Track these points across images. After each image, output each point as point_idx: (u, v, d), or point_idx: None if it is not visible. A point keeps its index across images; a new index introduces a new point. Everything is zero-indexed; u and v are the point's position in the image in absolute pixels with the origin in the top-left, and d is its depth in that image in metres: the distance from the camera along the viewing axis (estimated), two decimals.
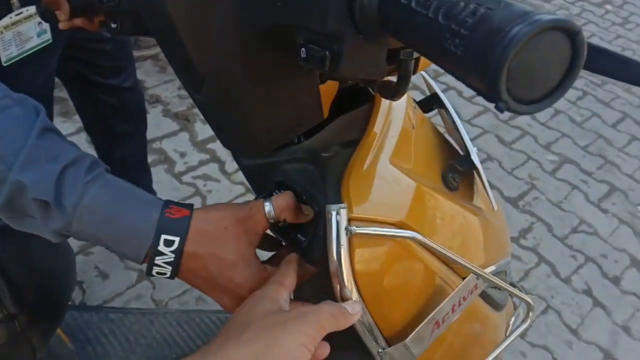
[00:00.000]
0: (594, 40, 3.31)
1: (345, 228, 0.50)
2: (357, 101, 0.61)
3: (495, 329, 0.78)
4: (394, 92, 0.46)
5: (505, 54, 0.25)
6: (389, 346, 0.58)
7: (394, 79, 0.46)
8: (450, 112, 0.74)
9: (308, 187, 0.57)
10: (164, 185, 1.91)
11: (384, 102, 0.61)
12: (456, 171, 0.68)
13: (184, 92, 2.34)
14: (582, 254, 2.00)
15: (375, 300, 0.55)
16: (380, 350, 0.58)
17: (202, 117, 2.15)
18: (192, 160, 2.05)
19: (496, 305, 0.76)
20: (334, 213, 0.50)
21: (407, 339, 0.57)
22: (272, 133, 0.54)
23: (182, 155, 2.06)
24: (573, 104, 2.75)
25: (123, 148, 1.53)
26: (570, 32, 0.27)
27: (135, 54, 2.40)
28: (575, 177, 2.32)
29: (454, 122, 0.74)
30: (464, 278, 0.64)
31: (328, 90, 0.55)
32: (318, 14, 0.36)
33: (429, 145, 0.69)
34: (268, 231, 0.58)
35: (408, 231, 0.54)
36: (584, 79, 2.94)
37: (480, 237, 0.70)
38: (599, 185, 2.30)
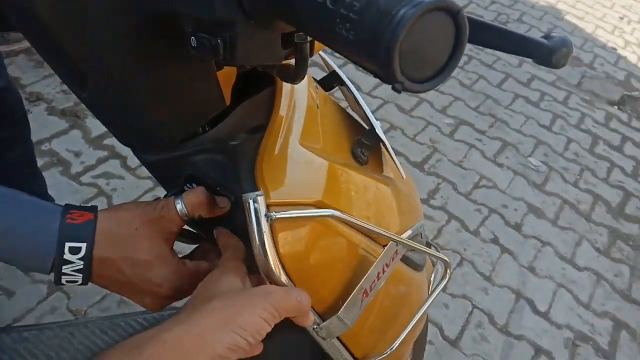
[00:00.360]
0: (472, 7, 3.53)
1: (265, 215, 0.50)
2: (259, 85, 0.60)
3: (418, 288, 0.83)
4: (293, 76, 0.46)
5: (395, 36, 0.26)
6: (323, 321, 0.60)
7: (292, 62, 0.45)
8: (350, 88, 0.76)
9: (220, 177, 0.56)
10: (61, 189, 1.75)
11: (286, 85, 0.61)
12: (364, 145, 0.70)
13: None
14: (485, 207, 2.13)
15: (304, 280, 0.56)
16: (315, 326, 0.60)
17: None
18: (88, 159, 1.90)
19: (417, 267, 0.81)
20: (251, 201, 0.49)
21: (340, 311, 0.59)
22: (172, 125, 0.52)
23: (77, 154, 1.90)
24: (461, 69, 2.91)
25: (6, 155, 1.37)
26: (452, 12, 0.28)
27: (4, 49, 2.17)
28: (471, 136, 2.47)
29: (355, 97, 0.75)
30: (384, 246, 0.67)
31: (227, 76, 0.53)
32: (204, 2, 0.35)
33: (335, 123, 0.70)
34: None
35: (326, 210, 0.55)
36: (468, 44, 3.11)
37: (394, 206, 0.73)
38: (492, 142, 2.46)
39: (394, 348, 0.72)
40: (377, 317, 0.71)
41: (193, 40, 0.38)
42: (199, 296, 0.46)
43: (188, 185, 0.57)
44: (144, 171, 1.89)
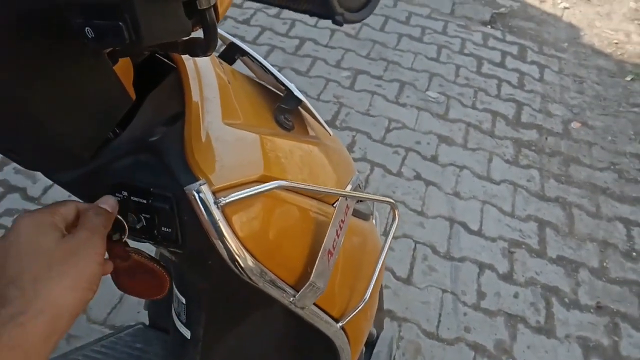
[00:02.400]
0: None
1: (214, 202, 0.49)
2: (159, 73, 0.56)
3: (372, 236, 0.87)
4: (205, 47, 0.43)
5: None
6: (297, 292, 0.60)
7: (197, 35, 0.43)
8: (255, 56, 0.74)
9: (151, 178, 0.52)
10: None
11: (190, 67, 0.57)
12: (285, 111, 0.69)
13: None
14: (401, 147, 2.21)
15: (268, 256, 0.56)
16: (291, 299, 0.61)
17: None
18: None
19: (365, 217, 0.84)
20: (195, 193, 0.48)
21: (311, 277, 0.60)
22: (80, 135, 0.47)
23: None
24: None
25: None
26: None
27: None
28: (370, 84, 2.53)
29: (261, 65, 0.73)
30: (333, 204, 0.68)
31: (124, 70, 0.49)
32: None
33: (250, 95, 0.69)
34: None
35: (273, 182, 0.55)
36: None
37: (329, 164, 0.75)
38: (390, 85, 2.54)
39: (366, 298, 0.75)
40: (343, 274, 0.72)
41: (89, 31, 0.35)
42: (21, 255, 0.42)
43: (117, 194, 0.53)
44: (50, 197, 1.75)
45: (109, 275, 0.53)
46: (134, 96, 0.49)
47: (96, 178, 0.52)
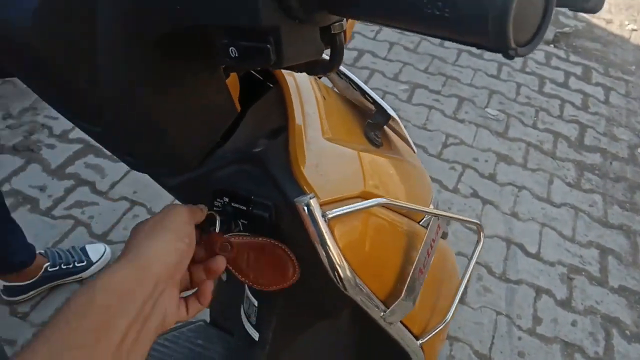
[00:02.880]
0: None
1: (322, 216, 0.51)
2: (260, 87, 0.59)
3: (451, 256, 0.87)
4: (328, 67, 0.45)
5: (506, 8, 0.27)
6: (387, 307, 0.62)
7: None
8: (346, 72, 0.75)
9: (253, 186, 0.55)
10: (35, 227, 1.65)
11: (290, 81, 0.60)
12: (376, 127, 0.71)
13: (13, 121, 2.02)
14: (458, 164, 2.19)
15: (364, 269, 0.57)
16: (382, 314, 0.62)
17: (47, 142, 1.91)
18: (55, 191, 1.80)
19: (444, 235, 0.83)
20: (305, 206, 0.50)
21: (403, 293, 0.62)
22: (195, 142, 0.51)
23: (42, 189, 1.80)
24: (402, 34, 2.93)
25: None
26: None
27: None
28: (428, 98, 2.51)
29: (351, 81, 0.75)
30: (419, 222, 0.68)
31: (232, 84, 0.52)
32: (249, 12, 0.34)
33: (342, 111, 0.71)
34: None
35: (374, 200, 0.57)
36: None
37: (416, 181, 0.75)
38: (449, 100, 2.51)
39: (448, 319, 0.74)
40: (425, 292, 0.73)
41: (232, 51, 0.37)
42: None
43: (219, 200, 0.56)
44: (117, 193, 1.81)
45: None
46: (239, 108, 0.52)
47: (200, 184, 0.55)
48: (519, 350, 1.60)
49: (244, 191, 0.55)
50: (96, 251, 1.58)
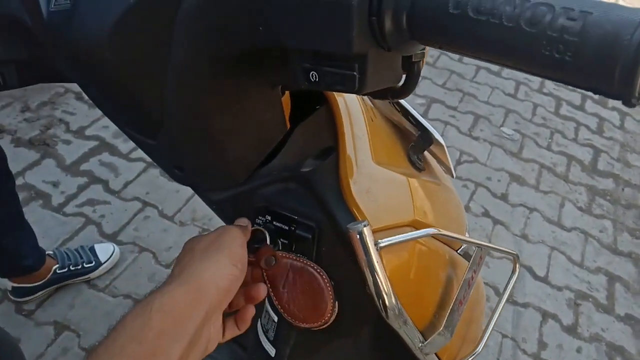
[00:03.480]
0: None
1: (375, 244, 0.50)
2: (309, 104, 0.58)
3: (481, 284, 0.85)
4: (402, 93, 0.45)
5: (638, 59, 0.26)
6: (425, 337, 0.60)
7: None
8: None
9: (299, 206, 0.54)
10: (46, 224, 1.66)
11: (340, 101, 0.59)
12: (419, 151, 0.70)
13: (30, 114, 2.04)
14: (471, 182, 2.18)
15: (406, 298, 0.57)
16: (420, 345, 0.60)
17: (63, 137, 1.92)
18: (68, 187, 1.81)
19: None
20: (358, 234, 0.49)
21: (443, 325, 0.60)
22: (245, 158, 0.51)
23: (55, 185, 1.81)
24: None
25: None
26: None
27: None
28: (444, 114, 2.51)
29: (394, 103, 0.74)
30: (457, 250, 0.67)
31: (285, 101, 0.52)
32: (338, 37, 0.34)
33: (387, 133, 0.70)
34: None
35: (426, 230, 0.56)
36: None
37: (456, 208, 0.74)
38: (465, 117, 2.51)
39: (479, 351, 0.73)
40: (460, 321, 0.72)
41: (313, 75, 0.37)
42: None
43: (260, 217, 0.56)
44: (129, 193, 1.82)
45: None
46: (289, 125, 0.52)
47: (243, 200, 0.55)
48: None
49: (287, 210, 0.54)
50: (105, 251, 1.59)
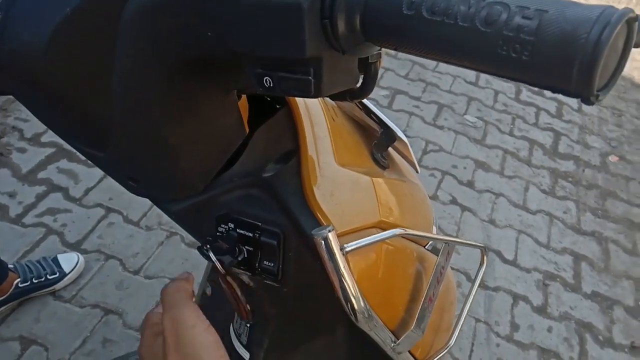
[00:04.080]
0: None
1: (341, 249, 0.49)
2: (268, 106, 0.56)
3: (452, 276, 0.86)
4: (359, 94, 0.44)
5: (595, 59, 0.26)
6: (397, 337, 0.60)
7: None
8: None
9: (261, 213, 0.53)
10: (4, 236, 1.60)
11: (300, 102, 0.57)
12: (382, 148, 0.69)
13: None
14: (437, 170, 2.20)
15: (375, 298, 0.56)
16: (392, 345, 0.60)
17: (17, 145, 1.85)
18: (26, 197, 1.74)
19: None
20: (323, 239, 0.48)
21: (414, 324, 0.60)
22: (203, 166, 0.49)
23: (12, 195, 1.74)
24: None
25: None
26: (629, 20, 0.28)
27: None
28: (408, 104, 2.52)
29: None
30: (425, 246, 0.67)
31: (242, 105, 0.50)
32: (291, 42, 0.32)
33: (349, 132, 0.69)
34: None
35: (392, 230, 0.55)
36: None
37: (422, 203, 0.74)
38: (428, 107, 2.53)
39: (451, 344, 0.73)
40: (434, 317, 0.72)
41: (267, 81, 0.35)
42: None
43: (223, 225, 0.54)
44: (91, 199, 1.77)
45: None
46: (247, 130, 0.50)
47: (204, 209, 0.53)
48: (498, 357, 1.61)
49: (251, 217, 0.52)
50: (69, 261, 1.53)
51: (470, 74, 2.79)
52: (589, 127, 2.61)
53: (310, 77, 0.34)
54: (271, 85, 0.35)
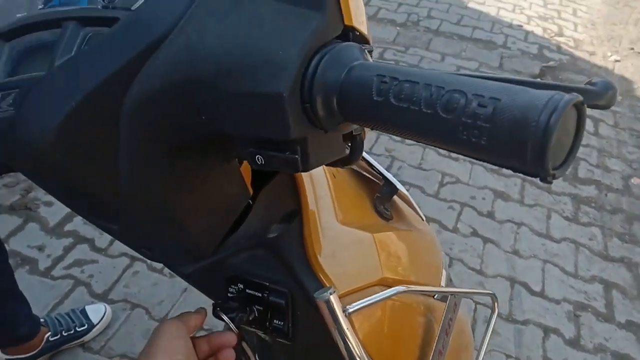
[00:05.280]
0: (382, 13, 3.64)
1: (343, 310, 0.50)
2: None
3: (467, 320, 0.85)
4: (348, 161, 0.46)
5: (546, 142, 0.28)
6: None
7: None
8: None
9: (267, 273, 0.55)
10: (34, 289, 1.62)
11: None
12: (385, 201, 0.70)
13: (9, 179, 2.01)
14: (456, 202, 2.20)
15: (384, 356, 0.57)
16: None
17: (44, 199, 1.90)
18: (54, 250, 1.77)
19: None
20: (325, 302, 0.49)
21: None
22: (210, 231, 0.51)
23: (41, 248, 1.77)
24: None
25: None
26: (577, 104, 0.30)
27: None
28: None
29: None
30: (434, 296, 0.67)
31: (244, 169, 0.53)
32: (276, 125, 0.35)
33: (351, 187, 0.71)
34: None
35: (395, 288, 0.56)
36: (391, 50, 3.22)
37: (428, 251, 0.74)
38: None
39: None
40: None
41: (259, 159, 0.38)
42: None
43: (233, 286, 0.56)
44: (116, 249, 1.80)
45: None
46: (251, 192, 0.52)
47: (214, 271, 0.55)
48: None
49: (259, 277, 0.54)
50: (97, 312, 1.55)
51: None
52: (607, 149, 2.59)
53: (297, 156, 0.37)
54: (262, 162, 0.38)
